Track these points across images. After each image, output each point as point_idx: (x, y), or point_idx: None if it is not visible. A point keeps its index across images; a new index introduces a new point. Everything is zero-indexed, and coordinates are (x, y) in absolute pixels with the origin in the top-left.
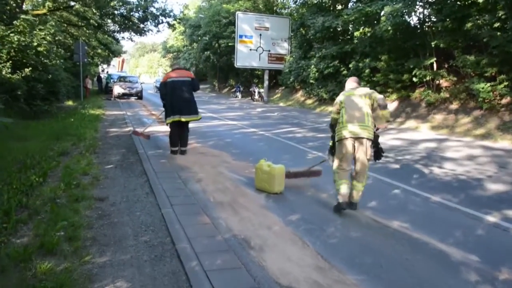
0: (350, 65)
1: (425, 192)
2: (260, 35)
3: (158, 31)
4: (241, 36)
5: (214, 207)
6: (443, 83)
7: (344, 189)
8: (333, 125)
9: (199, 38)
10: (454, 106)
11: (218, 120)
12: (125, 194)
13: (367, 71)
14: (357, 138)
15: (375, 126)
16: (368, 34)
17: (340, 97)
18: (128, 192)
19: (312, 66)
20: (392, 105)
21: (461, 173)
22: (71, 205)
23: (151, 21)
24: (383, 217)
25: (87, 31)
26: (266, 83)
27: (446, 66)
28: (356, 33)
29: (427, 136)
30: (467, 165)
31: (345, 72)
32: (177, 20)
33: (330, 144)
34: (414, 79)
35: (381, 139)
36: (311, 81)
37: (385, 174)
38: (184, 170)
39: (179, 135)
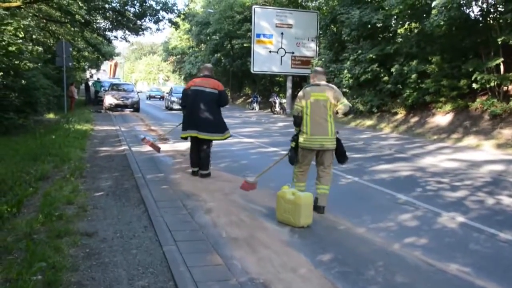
0: (392, 69)
1: (492, 228)
2: (282, 34)
3: (158, 29)
4: (258, 35)
5: (227, 244)
6: None
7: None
8: (298, 123)
9: (208, 37)
10: None
11: (231, 137)
12: (118, 228)
13: (413, 76)
14: (321, 149)
15: (337, 132)
16: (415, 31)
17: (307, 96)
18: (122, 226)
19: (345, 71)
20: (446, 118)
21: None
22: (51, 241)
23: (149, 17)
24: (437, 258)
25: (72, 29)
26: (289, 91)
27: None
28: (400, 30)
29: (492, 156)
30: None
31: (386, 78)
32: (181, 16)
33: (292, 145)
34: (474, 85)
35: (434, 161)
36: (344, 89)
37: (438, 204)
38: (191, 198)
39: (198, 154)
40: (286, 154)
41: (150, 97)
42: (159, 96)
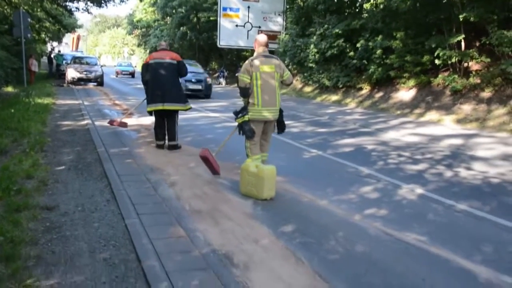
0: (358, 45)
1: (448, 199)
2: (249, 7)
3: (122, 1)
4: (225, 9)
5: (190, 216)
6: (473, 66)
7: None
8: (248, 95)
9: (174, 10)
10: (487, 94)
11: (196, 111)
12: (80, 201)
13: (378, 51)
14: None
15: None
16: (381, 6)
17: (256, 69)
18: (84, 200)
19: (312, 46)
20: (409, 94)
21: (493, 175)
22: (9, 216)
23: None
24: (396, 228)
25: None
26: None
27: (477, 44)
28: (366, 5)
29: (452, 131)
30: (501, 166)
31: (351, 53)
32: None
33: (246, 119)
34: (437, 61)
35: (397, 135)
36: (310, 64)
37: (399, 177)
38: (155, 172)
39: (164, 126)
40: (236, 128)
41: (118, 74)
42: (129, 72)
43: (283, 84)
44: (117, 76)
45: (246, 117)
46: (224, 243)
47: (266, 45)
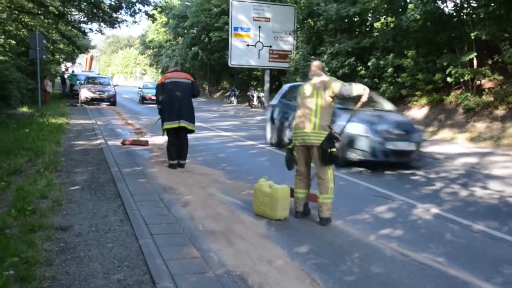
0: (369, 63)
1: (465, 219)
2: (260, 27)
3: (135, 22)
4: (236, 29)
5: (204, 237)
6: (486, 83)
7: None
8: None
9: (185, 31)
10: (500, 112)
11: (208, 130)
12: (94, 222)
13: (389, 70)
14: (307, 146)
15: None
16: (392, 25)
17: (298, 93)
18: (97, 220)
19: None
20: (422, 112)
21: (510, 195)
22: (24, 236)
23: (125, 9)
24: (412, 249)
25: (46, 21)
26: (267, 85)
27: (489, 62)
28: (377, 24)
29: (466, 149)
30: None
31: (363, 72)
32: (158, 9)
33: (290, 147)
34: (449, 79)
35: None
36: None
37: (414, 196)
38: (168, 191)
39: (178, 145)
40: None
41: (145, 99)
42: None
43: (339, 97)
44: (142, 103)
45: (290, 145)
46: (238, 264)
47: (316, 66)
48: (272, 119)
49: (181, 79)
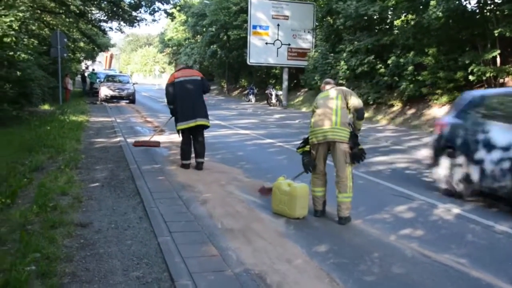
0: (389, 61)
1: (487, 219)
2: (278, 25)
3: (154, 20)
4: (254, 27)
5: (223, 235)
6: (509, 81)
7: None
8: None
9: (204, 29)
10: None
11: (227, 128)
12: (113, 219)
13: (410, 68)
14: (328, 142)
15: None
16: (412, 23)
17: (316, 101)
18: (117, 217)
19: (342, 62)
20: (442, 110)
21: None
22: (45, 232)
23: (145, 8)
24: (433, 249)
25: (67, 20)
26: (285, 83)
27: None
28: (397, 22)
29: None
30: None
31: (382, 70)
32: (177, 7)
33: (306, 149)
34: (471, 78)
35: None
36: (341, 81)
37: (435, 196)
38: (186, 189)
39: (192, 145)
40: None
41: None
42: None
43: (351, 108)
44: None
45: (307, 147)
46: (257, 262)
47: (330, 83)
48: (449, 147)
49: (190, 76)
